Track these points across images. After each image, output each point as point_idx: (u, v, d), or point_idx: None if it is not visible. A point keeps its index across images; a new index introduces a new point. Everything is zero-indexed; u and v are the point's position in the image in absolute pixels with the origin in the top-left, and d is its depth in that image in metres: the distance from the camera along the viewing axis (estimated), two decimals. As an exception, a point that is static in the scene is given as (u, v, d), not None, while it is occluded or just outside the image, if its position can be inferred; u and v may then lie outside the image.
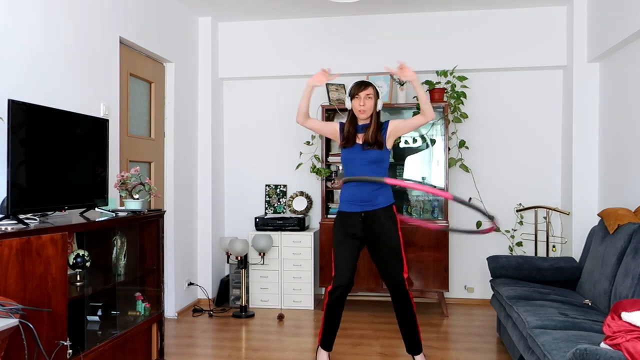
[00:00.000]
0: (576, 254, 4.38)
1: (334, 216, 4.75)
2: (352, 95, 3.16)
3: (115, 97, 3.68)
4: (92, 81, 3.40)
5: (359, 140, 3.16)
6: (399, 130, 3.17)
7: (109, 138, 3.19)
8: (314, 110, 5.08)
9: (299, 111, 3.22)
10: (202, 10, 4.84)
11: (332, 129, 3.28)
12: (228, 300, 5.00)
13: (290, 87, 5.25)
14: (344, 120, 3.29)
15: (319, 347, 3.24)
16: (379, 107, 3.18)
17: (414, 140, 4.83)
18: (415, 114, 4.70)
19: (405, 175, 4.90)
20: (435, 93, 4.68)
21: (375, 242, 3.12)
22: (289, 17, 5.06)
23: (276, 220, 4.86)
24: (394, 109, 4.88)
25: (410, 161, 4.91)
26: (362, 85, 3.14)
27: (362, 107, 3.11)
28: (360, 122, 3.19)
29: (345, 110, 4.72)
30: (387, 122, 3.19)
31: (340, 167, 4.97)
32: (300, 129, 5.18)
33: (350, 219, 3.15)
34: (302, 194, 5.16)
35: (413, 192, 4.92)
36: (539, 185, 4.87)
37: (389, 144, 3.17)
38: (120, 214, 3.00)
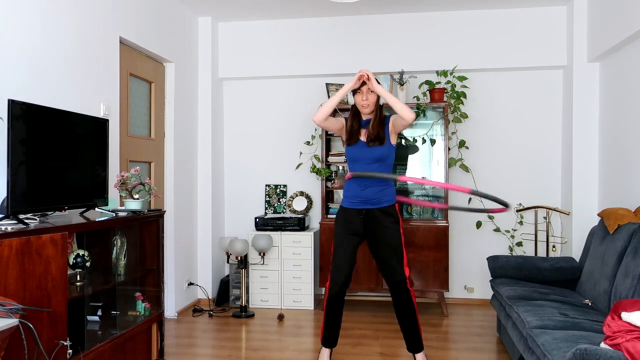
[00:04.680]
0: (576, 254, 4.38)
1: (334, 216, 4.78)
2: (354, 91, 3.14)
3: (115, 97, 3.68)
4: (92, 81, 3.40)
5: (363, 137, 3.14)
6: (396, 126, 3.12)
7: (109, 138, 3.19)
8: (314, 110, 5.10)
9: (325, 110, 3.09)
10: (202, 10, 4.84)
11: (341, 124, 3.24)
12: (228, 300, 5.00)
13: (291, 87, 5.25)
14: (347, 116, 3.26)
15: (322, 346, 3.25)
16: (382, 100, 3.15)
17: (414, 140, 4.82)
18: (416, 113, 4.69)
19: (406, 174, 4.90)
20: (435, 93, 4.68)
21: (375, 240, 3.11)
22: (289, 17, 5.06)
23: (276, 220, 4.85)
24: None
25: (410, 161, 4.91)
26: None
27: (365, 101, 3.10)
28: (364, 117, 3.18)
29: (345, 110, 4.72)
30: (388, 117, 3.17)
31: (341, 167, 4.97)
32: (300, 129, 5.18)
33: (352, 215, 3.14)
34: (302, 194, 5.16)
35: (414, 191, 4.92)
36: (539, 185, 4.87)
37: (393, 140, 3.14)
38: (120, 214, 3.00)
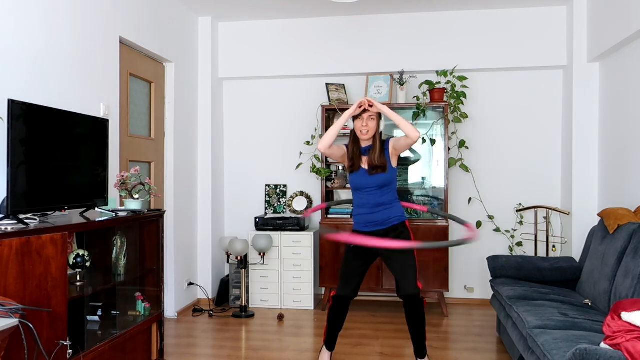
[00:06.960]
0: (576, 254, 4.38)
1: (334, 216, 4.80)
2: (355, 117, 3.15)
3: (115, 97, 3.68)
4: (92, 81, 3.40)
5: (364, 165, 3.15)
6: (397, 149, 3.14)
7: (109, 138, 3.19)
8: (314, 110, 5.10)
9: (329, 138, 3.08)
10: (202, 10, 4.84)
11: (343, 151, 3.24)
12: (228, 300, 4.99)
13: (291, 87, 5.25)
14: (347, 142, 3.27)
15: (323, 346, 3.28)
16: (382, 127, 3.17)
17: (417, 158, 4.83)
18: (415, 114, 4.71)
19: (408, 175, 4.91)
20: (435, 93, 4.68)
21: (389, 256, 3.12)
22: (289, 17, 5.06)
23: (276, 220, 4.85)
24: (394, 109, 4.85)
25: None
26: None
27: (365, 127, 3.09)
28: (364, 144, 3.17)
29: (345, 109, 4.72)
30: (387, 142, 3.17)
31: (341, 167, 4.97)
32: (300, 129, 5.18)
33: (365, 234, 3.15)
34: (302, 194, 5.16)
35: (414, 194, 4.92)
36: (539, 185, 4.87)
37: (394, 162, 3.15)
38: (120, 214, 3.00)
